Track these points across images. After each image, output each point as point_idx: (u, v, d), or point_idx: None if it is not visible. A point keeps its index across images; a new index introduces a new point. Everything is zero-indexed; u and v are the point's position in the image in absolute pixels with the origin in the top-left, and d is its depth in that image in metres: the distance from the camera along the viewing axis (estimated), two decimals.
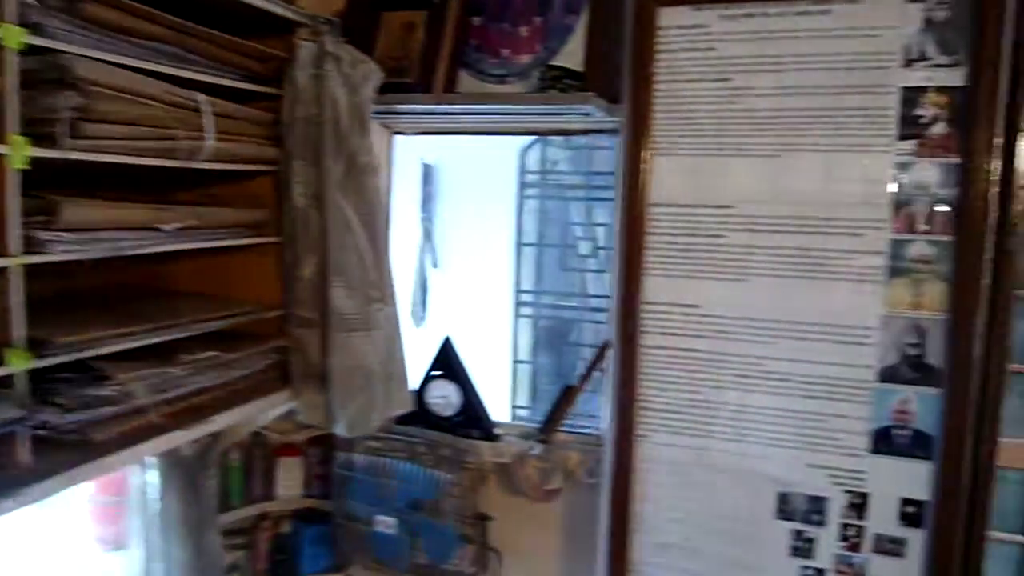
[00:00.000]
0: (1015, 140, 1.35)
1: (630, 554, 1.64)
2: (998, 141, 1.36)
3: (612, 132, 1.70)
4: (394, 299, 1.70)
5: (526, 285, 4.49)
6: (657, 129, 1.57)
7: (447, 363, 1.91)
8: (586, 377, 1.81)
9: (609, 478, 1.64)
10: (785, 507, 1.54)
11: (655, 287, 1.59)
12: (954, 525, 1.43)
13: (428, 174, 4.32)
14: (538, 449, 1.85)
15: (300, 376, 1.62)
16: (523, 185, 4.19)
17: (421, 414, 1.92)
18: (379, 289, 1.62)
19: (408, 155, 4.37)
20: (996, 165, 1.36)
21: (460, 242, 4.45)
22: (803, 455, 1.52)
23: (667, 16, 1.55)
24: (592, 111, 1.63)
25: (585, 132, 1.86)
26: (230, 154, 1.44)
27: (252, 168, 1.54)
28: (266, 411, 1.64)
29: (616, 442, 1.62)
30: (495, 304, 4.28)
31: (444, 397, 1.91)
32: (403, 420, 1.95)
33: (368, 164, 1.57)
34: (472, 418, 1.90)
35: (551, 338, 3.45)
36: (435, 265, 4.53)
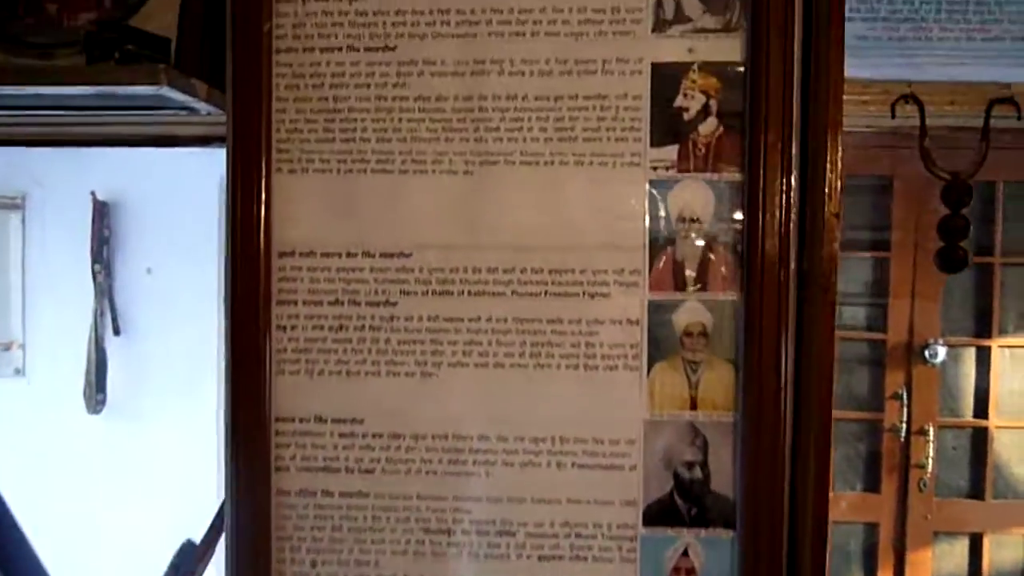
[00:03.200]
0: (822, 141, 0.86)
1: None
2: (794, 149, 0.88)
3: None
4: None
5: None
6: (283, 127, 0.94)
7: None
8: (208, 545, 1.12)
9: None
10: None
11: (292, 393, 0.95)
12: None
13: (103, 214, 3.41)
14: None
15: None
16: None
17: None
18: None
19: (72, 190, 3.44)
20: (793, 182, 0.88)
21: (152, 299, 3.55)
22: None
23: None
24: (182, 98, 0.97)
25: (206, 141, 1.20)
26: None
27: None
28: None
29: None
30: (203, 378, 3.43)
31: None
32: None
33: None
34: None
35: None
36: (116, 332, 3.60)
